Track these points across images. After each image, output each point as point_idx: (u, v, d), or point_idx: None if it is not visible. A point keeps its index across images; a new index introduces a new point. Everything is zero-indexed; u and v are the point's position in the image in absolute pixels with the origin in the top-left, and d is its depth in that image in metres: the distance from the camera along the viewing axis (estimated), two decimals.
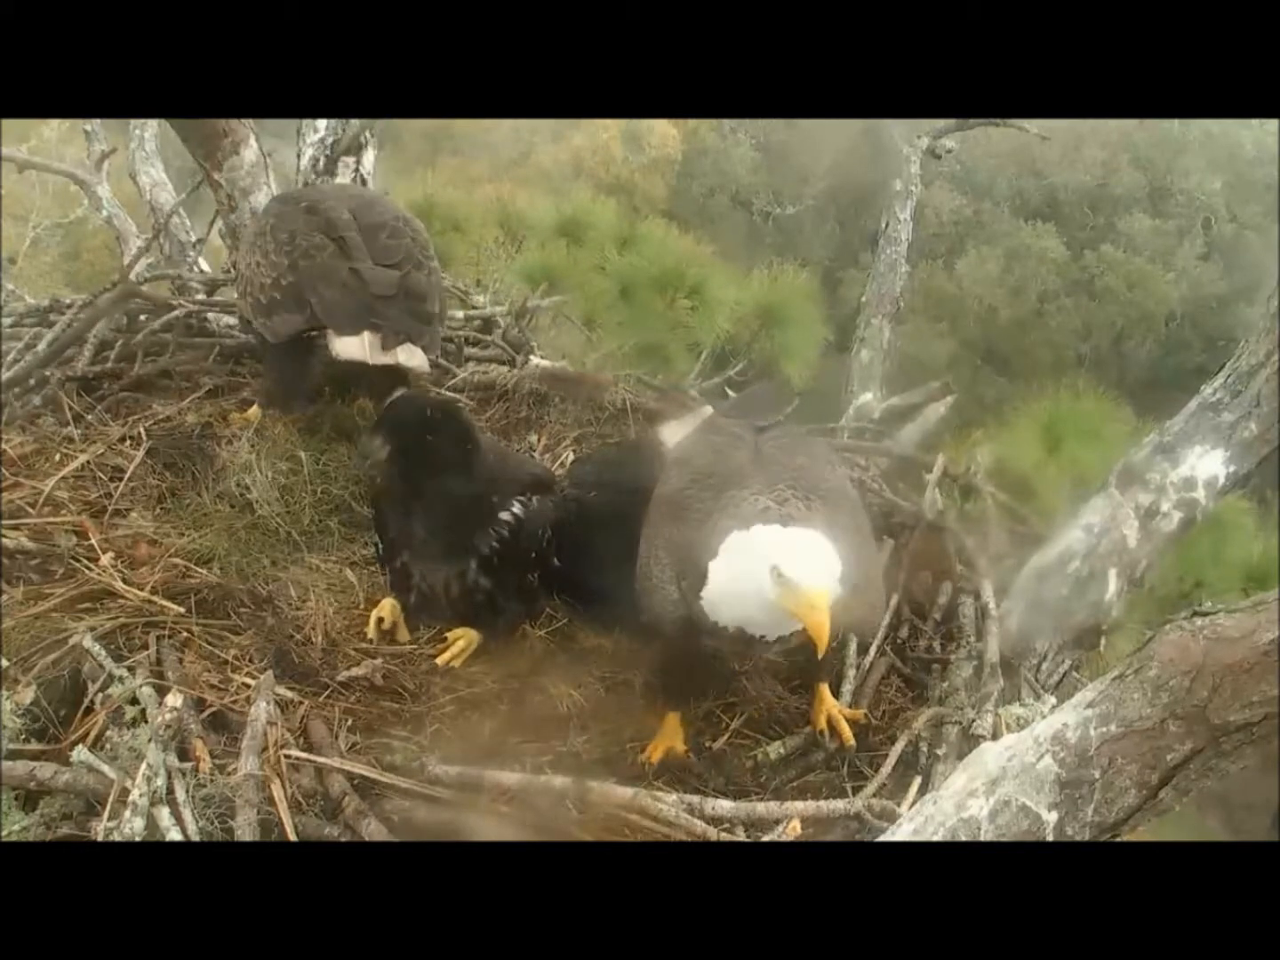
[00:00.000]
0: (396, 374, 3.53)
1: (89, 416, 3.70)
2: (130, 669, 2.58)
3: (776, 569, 2.30)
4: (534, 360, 4.43)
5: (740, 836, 2.35)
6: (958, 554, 3.54)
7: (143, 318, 4.31)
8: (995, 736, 2.58)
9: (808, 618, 2.29)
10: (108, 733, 2.40)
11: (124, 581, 2.96)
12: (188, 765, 2.32)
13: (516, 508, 3.10)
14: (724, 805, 2.40)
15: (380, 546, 3.21)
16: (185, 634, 2.84)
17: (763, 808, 2.40)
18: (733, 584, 2.42)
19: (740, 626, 2.48)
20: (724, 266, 5.44)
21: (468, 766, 2.45)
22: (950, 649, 3.20)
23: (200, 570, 3.13)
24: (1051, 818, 1.82)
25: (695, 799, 2.41)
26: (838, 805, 2.40)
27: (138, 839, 2.12)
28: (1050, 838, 1.82)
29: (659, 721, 2.78)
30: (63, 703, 2.53)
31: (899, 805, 2.40)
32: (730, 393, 4.79)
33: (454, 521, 3.04)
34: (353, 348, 3.36)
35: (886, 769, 2.60)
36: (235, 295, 3.96)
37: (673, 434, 3.34)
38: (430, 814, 2.37)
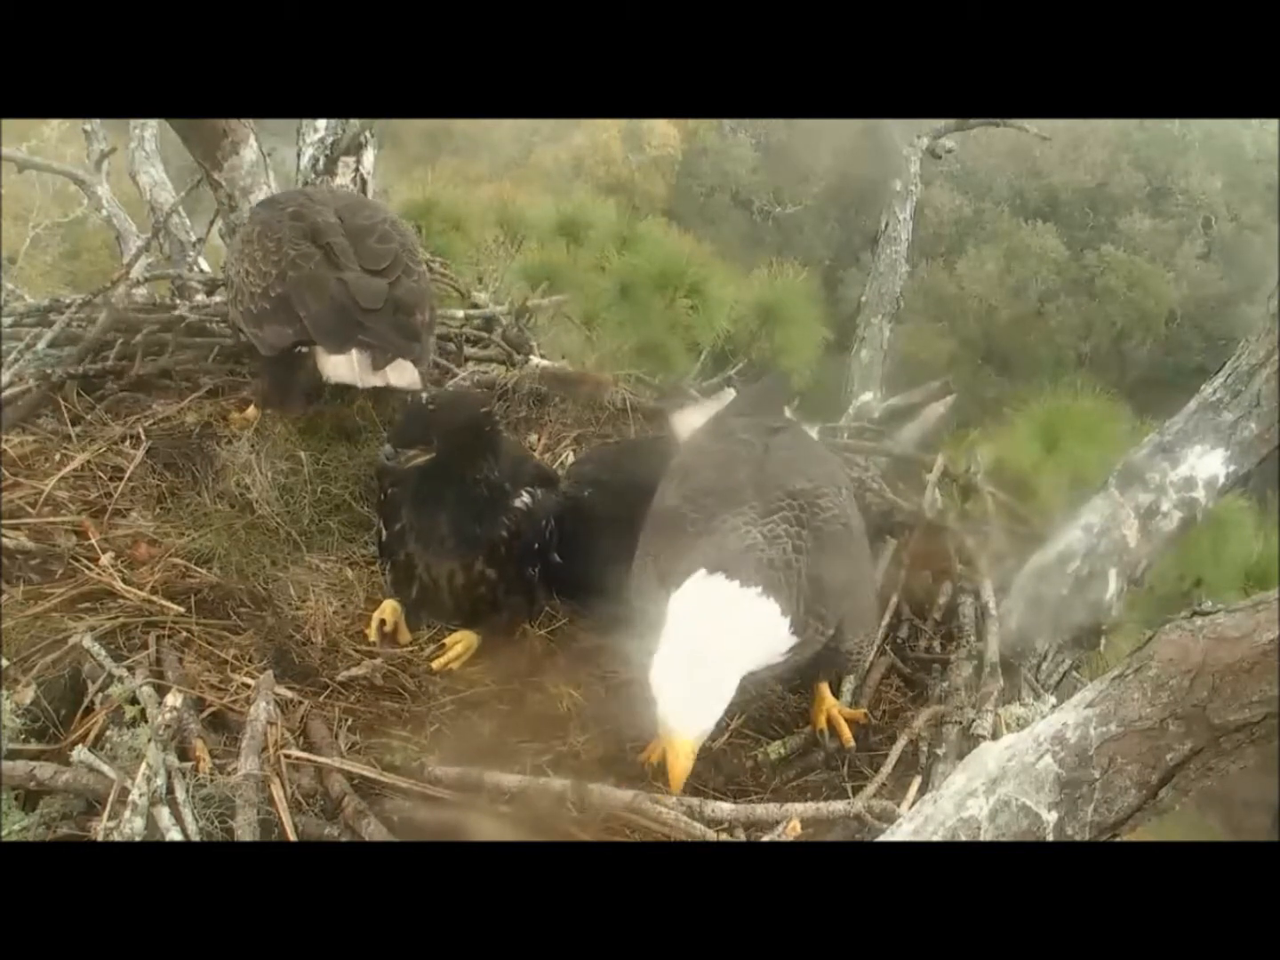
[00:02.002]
0: (390, 390, 3.46)
1: (89, 416, 3.69)
2: (130, 669, 2.57)
3: (657, 702, 2.28)
4: (534, 360, 4.43)
5: (740, 838, 2.34)
6: (958, 554, 3.54)
7: (142, 317, 4.31)
8: (995, 736, 2.58)
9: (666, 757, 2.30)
10: (108, 733, 2.39)
11: (124, 581, 2.96)
12: (188, 765, 2.32)
13: (526, 497, 3.09)
14: (724, 808, 2.38)
15: (382, 538, 3.17)
16: (185, 634, 2.84)
17: (762, 810, 2.39)
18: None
19: None
20: (724, 266, 5.45)
21: (468, 767, 2.45)
22: (950, 649, 3.20)
23: (200, 570, 3.13)
24: (1051, 818, 1.82)
25: (695, 800, 2.40)
26: (838, 805, 2.38)
27: (138, 839, 2.11)
28: (1050, 838, 1.82)
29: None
30: (63, 703, 2.52)
31: (899, 805, 2.39)
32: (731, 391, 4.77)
33: (472, 509, 3.01)
34: (342, 369, 3.30)
35: (886, 769, 2.59)
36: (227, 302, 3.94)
37: (686, 422, 3.28)
38: (430, 814, 2.36)
